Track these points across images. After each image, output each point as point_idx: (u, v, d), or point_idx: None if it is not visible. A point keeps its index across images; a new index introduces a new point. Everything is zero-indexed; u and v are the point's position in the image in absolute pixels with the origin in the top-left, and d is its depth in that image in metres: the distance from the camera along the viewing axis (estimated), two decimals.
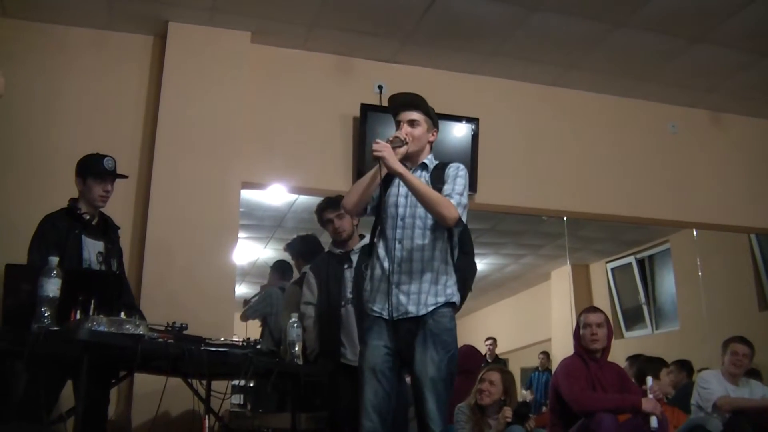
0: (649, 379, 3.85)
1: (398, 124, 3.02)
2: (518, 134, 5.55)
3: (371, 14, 4.71)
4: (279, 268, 5.25)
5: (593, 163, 5.68)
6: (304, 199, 5.43)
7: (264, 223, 5.94)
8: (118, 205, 4.08)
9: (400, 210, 2.96)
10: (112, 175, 3.42)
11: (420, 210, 2.91)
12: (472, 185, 5.16)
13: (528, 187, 5.49)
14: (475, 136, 5.24)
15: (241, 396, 5.11)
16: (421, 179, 2.93)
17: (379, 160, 2.79)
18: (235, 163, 4.72)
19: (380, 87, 5.19)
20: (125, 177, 3.57)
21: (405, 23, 4.82)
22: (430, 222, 2.92)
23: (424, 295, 2.86)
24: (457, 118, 5.23)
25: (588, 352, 3.88)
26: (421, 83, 5.28)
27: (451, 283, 2.93)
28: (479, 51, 5.20)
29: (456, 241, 2.98)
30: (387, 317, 2.88)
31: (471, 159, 5.18)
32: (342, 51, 5.18)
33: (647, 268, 7.08)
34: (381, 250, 2.96)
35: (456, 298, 2.93)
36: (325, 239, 4.25)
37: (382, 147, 2.79)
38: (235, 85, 4.84)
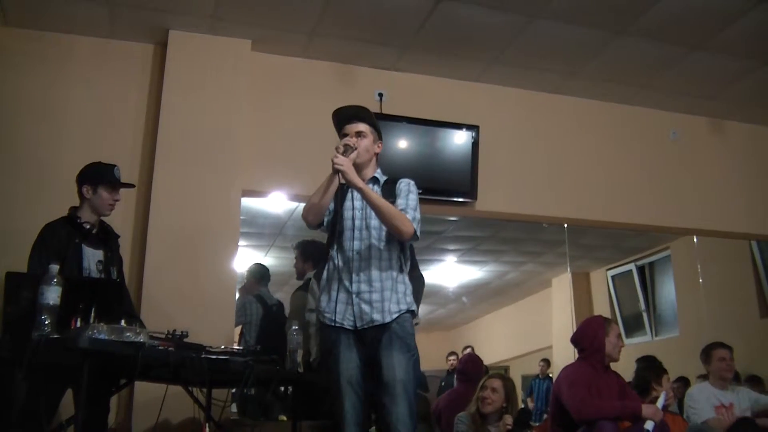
0: (663, 394, 3.90)
1: (343, 137, 3.08)
2: (518, 142, 5.56)
3: (372, 22, 4.72)
4: (256, 272, 5.21)
5: (593, 170, 5.69)
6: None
7: (264, 231, 5.92)
8: (119, 213, 4.07)
9: (357, 222, 3.01)
10: (121, 184, 3.46)
11: (374, 221, 2.97)
12: (473, 192, 5.19)
13: (528, 195, 5.48)
14: (475, 144, 5.24)
15: (234, 404, 5.08)
16: None
17: (338, 173, 2.83)
18: (235, 171, 4.73)
19: (381, 95, 5.20)
20: (132, 186, 3.60)
21: (405, 31, 4.83)
22: (384, 233, 2.98)
23: (387, 303, 2.91)
24: (458, 126, 5.24)
25: (608, 361, 3.92)
26: (422, 91, 5.32)
27: (409, 292, 3.02)
28: (479, 59, 5.21)
29: (408, 254, 3.07)
30: (351, 327, 2.91)
31: (471, 166, 5.19)
32: (342, 59, 5.19)
33: (647, 275, 7.05)
34: (339, 262, 2.99)
35: (414, 307, 3.02)
36: None
37: (342, 161, 2.83)
38: (235, 93, 4.84)
